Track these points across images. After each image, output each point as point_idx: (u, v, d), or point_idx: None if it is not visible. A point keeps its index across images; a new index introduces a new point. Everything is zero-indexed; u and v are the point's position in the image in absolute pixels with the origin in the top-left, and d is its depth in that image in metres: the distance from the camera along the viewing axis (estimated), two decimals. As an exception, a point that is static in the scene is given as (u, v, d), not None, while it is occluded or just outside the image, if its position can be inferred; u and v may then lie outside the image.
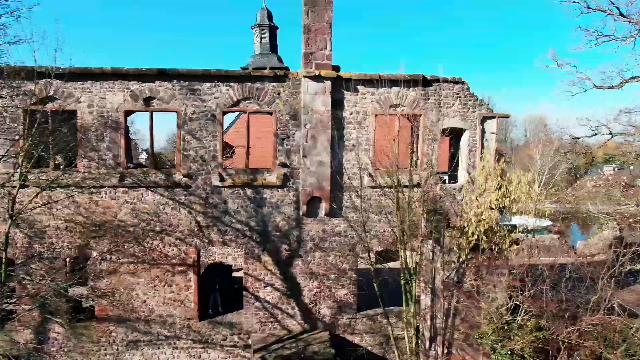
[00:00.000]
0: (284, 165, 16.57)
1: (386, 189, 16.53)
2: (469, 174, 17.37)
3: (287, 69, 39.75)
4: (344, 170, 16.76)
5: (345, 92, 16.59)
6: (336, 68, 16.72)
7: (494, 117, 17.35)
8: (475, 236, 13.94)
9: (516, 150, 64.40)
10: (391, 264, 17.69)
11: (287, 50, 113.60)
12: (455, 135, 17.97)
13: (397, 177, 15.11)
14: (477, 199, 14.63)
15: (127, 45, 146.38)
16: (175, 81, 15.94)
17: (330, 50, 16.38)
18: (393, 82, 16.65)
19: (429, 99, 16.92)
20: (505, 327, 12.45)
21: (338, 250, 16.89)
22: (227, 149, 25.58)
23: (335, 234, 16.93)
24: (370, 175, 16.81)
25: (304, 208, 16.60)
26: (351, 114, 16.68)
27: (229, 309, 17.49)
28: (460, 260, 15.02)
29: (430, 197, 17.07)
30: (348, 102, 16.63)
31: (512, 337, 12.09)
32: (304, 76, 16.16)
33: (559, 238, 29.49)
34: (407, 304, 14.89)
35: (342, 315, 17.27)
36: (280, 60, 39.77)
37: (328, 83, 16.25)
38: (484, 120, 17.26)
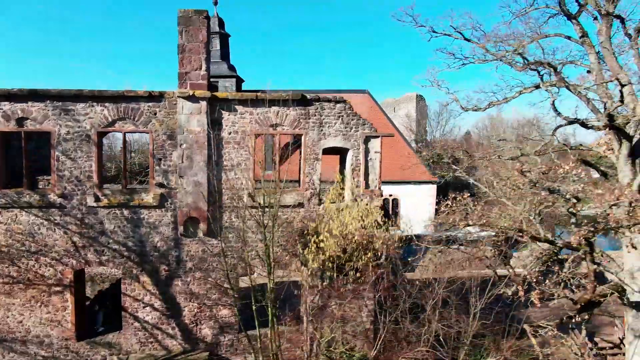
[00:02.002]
0: (161, 185, 16.49)
1: (266, 209, 16.51)
2: (353, 193, 17.27)
3: (237, 77, 39.86)
4: (223, 190, 16.68)
5: (223, 112, 16.50)
6: (213, 87, 16.63)
7: (377, 137, 17.22)
8: (316, 264, 13.81)
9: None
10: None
11: (240, 58, 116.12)
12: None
13: (263, 195, 15.07)
14: (321, 221, 14.52)
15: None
16: (48, 101, 15.87)
17: (206, 70, 16.29)
18: (273, 102, 16.54)
19: (310, 118, 16.82)
20: (336, 357, 12.35)
21: (218, 270, 16.81)
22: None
23: (215, 254, 16.83)
24: (250, 195, 16.71)
25: (181, 228, 16.53)
26: (230, 133, 16.59)
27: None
28: (324, 283, 14.91)
29: (313, 217, 17.01)
30: (226, 121, 16.54)
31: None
32: (179, 96, 16.07)
33: (491, 249, 29.22)
34: (266, 327, 14.80)
35: (224, 336, 17.18)
36: (231, 68, 39.72)
37: (204, 103, 16.16)
38: (367, 139, 17.14)
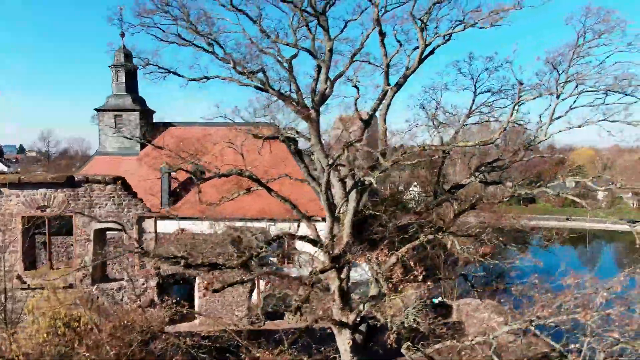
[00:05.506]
0: None
1: (37, 290, 16.48)
2: (128, 273, 17.14)
3: (144, 109, 39.73)
4: (-10, 273, 16.58)
5: (-12, 194, 16.40)
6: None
7: (151, 217, 17.08)
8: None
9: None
10: None
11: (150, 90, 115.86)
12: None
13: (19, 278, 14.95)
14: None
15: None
16: None
17: (-34, 154, 16.18)
18: (40, 184, 16.44)
19: (79, 200, 16.69)
20: None
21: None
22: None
23: (-16, 335, 16.75)
24: (19, 277, 16.61)
25: (-56, 312, 16.46)
26: (-4, 216, 16.49)
27: None
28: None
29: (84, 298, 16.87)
30: (-8, 204, 16.44)
31: None
32: (-63, 181, 16.00)
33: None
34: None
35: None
36: (137, 101, 39.51)
37: (-36, 187, 16.08)
38: (140, 219, 16.99)
